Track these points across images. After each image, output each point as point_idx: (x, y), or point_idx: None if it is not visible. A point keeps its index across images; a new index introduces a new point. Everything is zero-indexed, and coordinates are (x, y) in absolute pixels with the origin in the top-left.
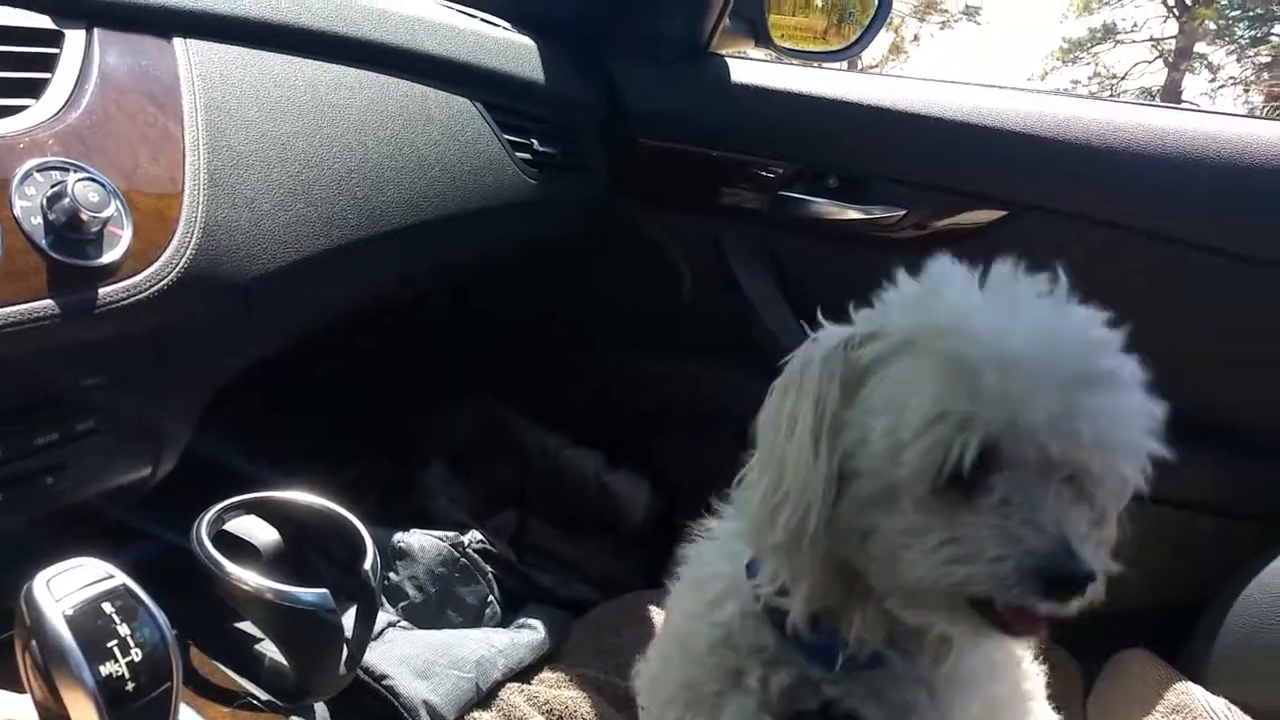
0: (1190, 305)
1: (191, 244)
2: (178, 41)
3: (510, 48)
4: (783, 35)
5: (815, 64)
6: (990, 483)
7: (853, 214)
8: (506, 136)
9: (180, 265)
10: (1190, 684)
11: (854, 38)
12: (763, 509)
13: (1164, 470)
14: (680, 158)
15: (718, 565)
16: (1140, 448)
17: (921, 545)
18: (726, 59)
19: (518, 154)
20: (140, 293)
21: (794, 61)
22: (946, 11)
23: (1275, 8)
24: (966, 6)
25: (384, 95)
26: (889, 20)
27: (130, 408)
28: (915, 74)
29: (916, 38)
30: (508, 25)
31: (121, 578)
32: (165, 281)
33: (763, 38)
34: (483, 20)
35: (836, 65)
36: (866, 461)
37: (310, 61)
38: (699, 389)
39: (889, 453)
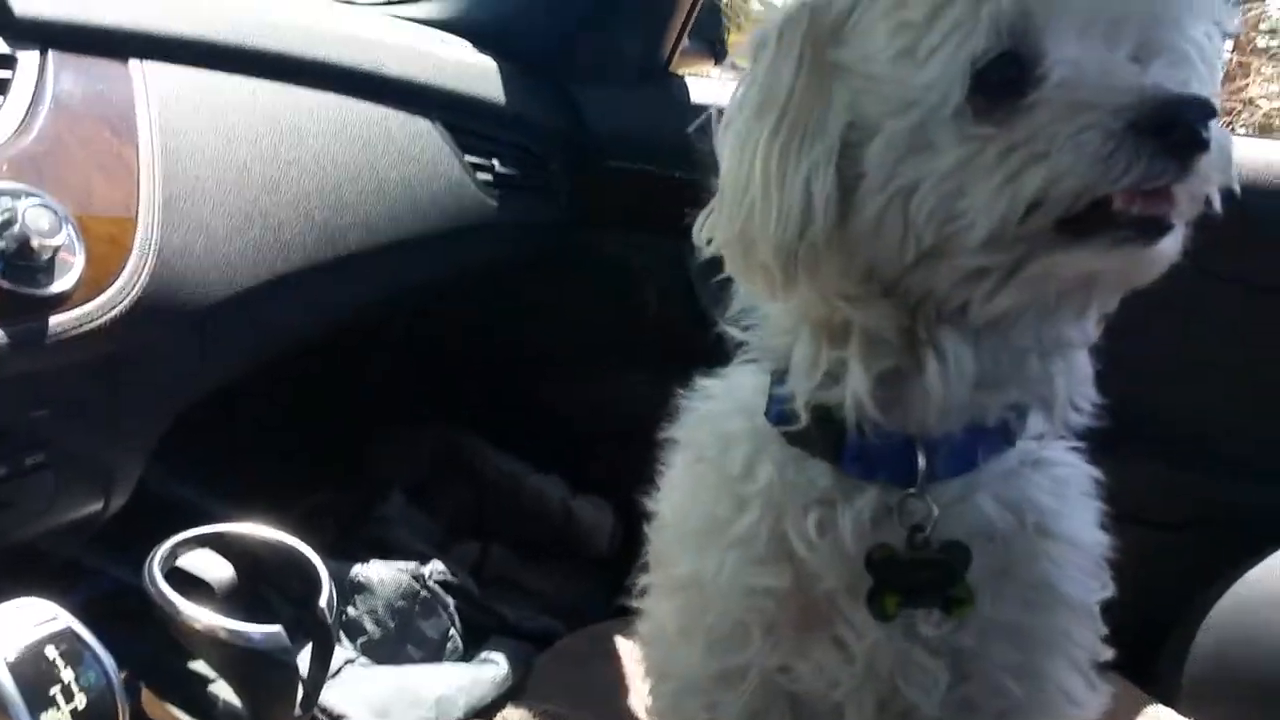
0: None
1: (145, 271)
2: (134, 64)
3: (472, 69)
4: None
5: None
6: (1042, 70)
7: None
8: (468, 158)
9: (134, 293)
10: (1161, 707)
11: None
12: (729, 230)
13: (1128, 487)
14: (644, 178)
15: (727, 423)
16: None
17: (981, 167)
18: (687, 79)
19: (479, 175)
20: (92, 321)
21: None
22: None
23: None
24: None
25: (344, 118)
26: None
27: (81, 440)
28: None
29: None
30: (468, 45)
31: (67, 619)
32: (118, 310)
33: (722, 57)
34: (444, 41)
35: None
36: (880, 106)
37: (270, 84)
38: (666, 411)
39: (906, 78)
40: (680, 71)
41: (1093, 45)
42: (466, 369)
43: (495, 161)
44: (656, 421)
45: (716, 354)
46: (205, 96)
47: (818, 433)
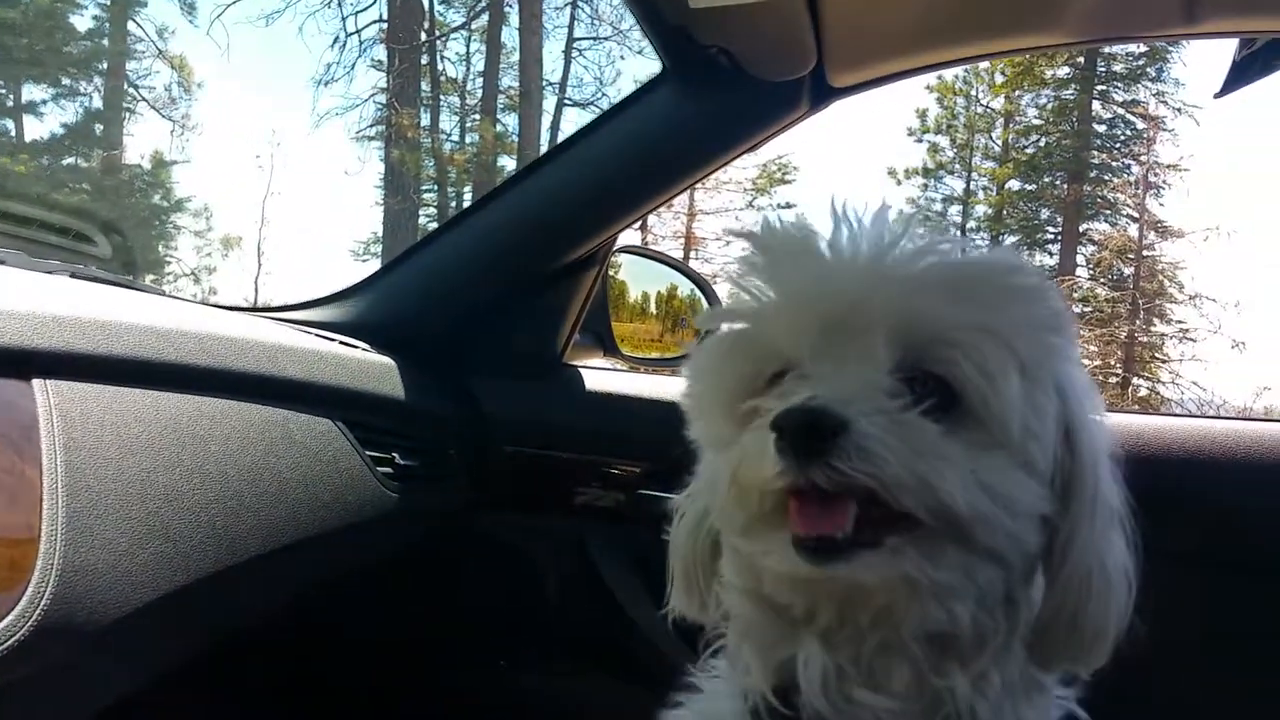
0: None
1: (47, 594)
2: (37, 383)
3: (370, 368)
4: (624, 341)
5: (666, 370)
6: (780, 387)
7: None
8: (368, 452)
9: (34, 618)
10: None
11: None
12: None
13: None
14: (540, 462)
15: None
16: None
17: (721, 465)
18: (579, 369)
19: (380, 469)
20: None
21: (642, 369)
22: None
23: None
24: None
25: (246, 422)
26: None
27: None
28: None
29: None
30: (368, 347)
31: None
32: (18, 636)
33: (610, 349)
34: (342, 343)
35: None
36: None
37: (173, 394)
38: (571, 698)
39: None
40: (573, 363)
41: (836, 357)
42: (361, 666)
43: (395, 454)
44: (563, 710)
45: (617, 637)
46: (108, 411)
47: None
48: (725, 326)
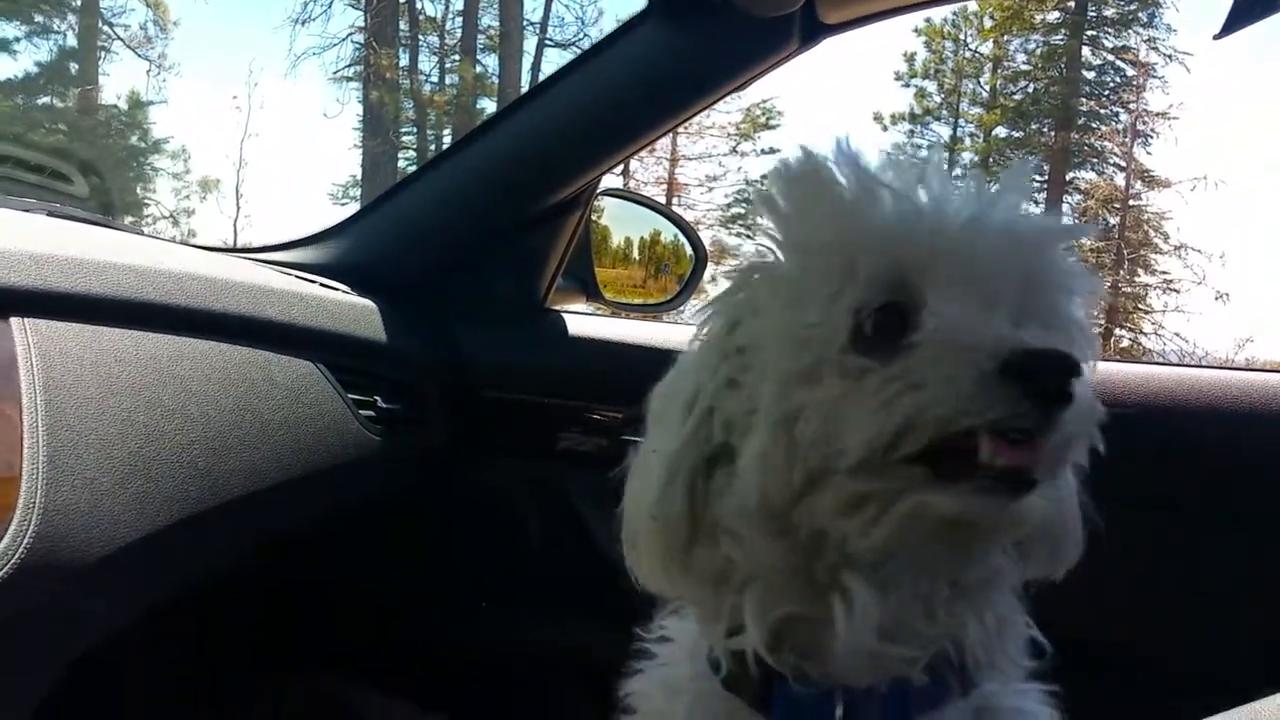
0: None
1: (29, 532)
2: (15, 321)
3: (351, 310)
4: (607, 287)
5: (649, 316)
6: (921, 318)
7: None
8: (350, 395)
9: (17, 556)
10: None
11: (675, 291)
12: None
13: None
14: (522, 408)
15: (672, 671)
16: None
17: (859, 397)
18: (562, 314)
19: (362, 412)
20: None
21: (624, 314)
22: None
23: None
24: None
25: (227, 363)
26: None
27: None
28: None
29: None
30: (348, 289)
31: None
32: (1, 574)
33: (593, 293)
34: (324, 285)
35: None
36: (775, 349)
37: (153, 334)
38: (554, 639)
39: (796, 322)
40: (556, 307)
41: (969, 304)
42: (341, 610)
43: (377, 398)
44: (545, 651)
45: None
46: (88, 350)
47: (744, 682)
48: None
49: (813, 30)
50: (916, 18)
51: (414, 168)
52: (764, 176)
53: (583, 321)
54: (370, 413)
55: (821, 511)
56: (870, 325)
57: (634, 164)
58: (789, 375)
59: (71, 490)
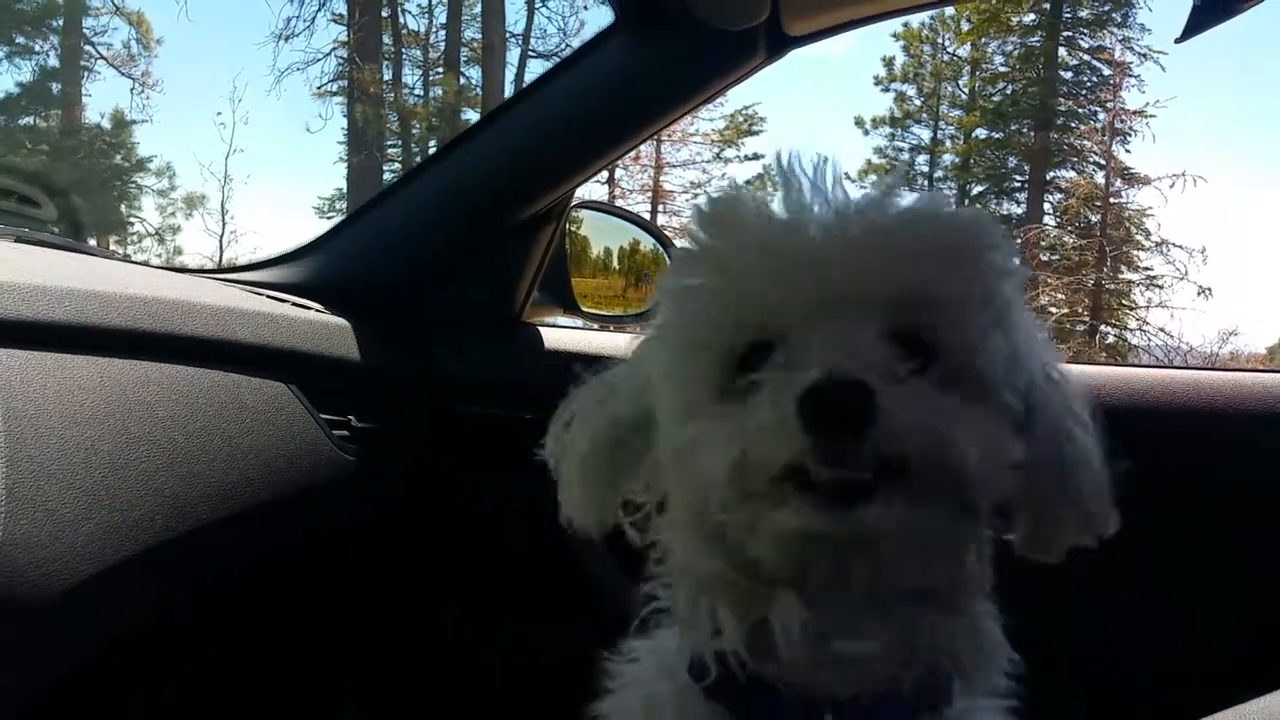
0: None
1: None
2: None
3: (324, 329)
4: (585, 298)
5: (628, 327)
6: (775, 354)
7: None
8: (324, 415)
9: None
10: None
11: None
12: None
13: None
14: (500, 422)
15: (651, 687)
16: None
17: (714, 434)
18: (539, 327)
19: (335, 432)
20: None
21: (603, 326)
22: None
23: None
24: None
25: (194, 388)
26: None
27: None
28: None
29: None
30: (320, 308)
31: None
32: None
33: (569, 306)
34: (295, 304)
35: None
36: (662, 401)
37: (118, 360)
38: (536, 656)
39: (673, 372)
40: (532, 321)
41: (827, 333)
42: (327, 626)
43: (351, 417)
44: (531, 667)
45: (583, 592)
46: (50, 378)
47: (728, 689)
48: (697, 282)
49: (779, 42)
50: (895, 24)
51: None
52: (748, 182)
53: (560, 334)
54: (344, 432)
55: (731, 535)
56: (738, 366)
57: (619, 172)
58: (672, 413)
59: (32, 523)
